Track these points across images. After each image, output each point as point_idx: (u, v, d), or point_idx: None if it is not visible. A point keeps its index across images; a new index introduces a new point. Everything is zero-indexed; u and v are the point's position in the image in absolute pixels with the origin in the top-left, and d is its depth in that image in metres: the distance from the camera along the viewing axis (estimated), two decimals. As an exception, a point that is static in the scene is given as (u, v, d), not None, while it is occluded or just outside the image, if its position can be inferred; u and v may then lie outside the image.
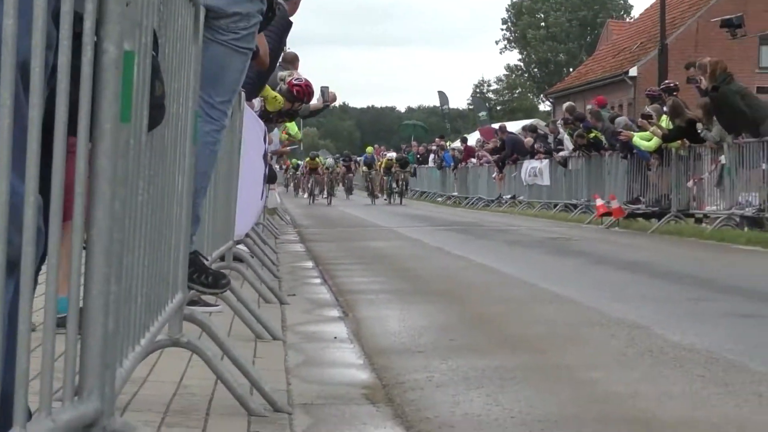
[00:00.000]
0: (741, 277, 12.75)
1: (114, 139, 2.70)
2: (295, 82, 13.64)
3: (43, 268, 2.58)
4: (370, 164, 60.24)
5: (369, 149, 64.52)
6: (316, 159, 59.78)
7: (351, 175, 64.81)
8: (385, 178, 55.71)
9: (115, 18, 2.68)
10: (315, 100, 15.36)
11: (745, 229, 19.92)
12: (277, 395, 5.25)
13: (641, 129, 24.82)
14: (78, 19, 2.51)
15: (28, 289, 2.36)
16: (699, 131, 21.91)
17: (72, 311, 2.66)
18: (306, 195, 58.93)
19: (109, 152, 2.69)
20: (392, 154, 58.01)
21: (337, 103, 25.17)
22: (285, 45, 11.22)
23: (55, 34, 2.41)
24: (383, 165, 56.41)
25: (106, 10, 2.66)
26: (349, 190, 63.89)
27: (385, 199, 54.17)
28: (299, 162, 67.64)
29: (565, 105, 34.72)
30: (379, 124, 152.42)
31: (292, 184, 74.12)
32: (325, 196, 55.21)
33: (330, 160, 64.14)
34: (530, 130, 39.37)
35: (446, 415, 5.31)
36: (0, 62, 2.22)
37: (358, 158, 68.69)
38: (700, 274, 13.09)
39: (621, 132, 25.88)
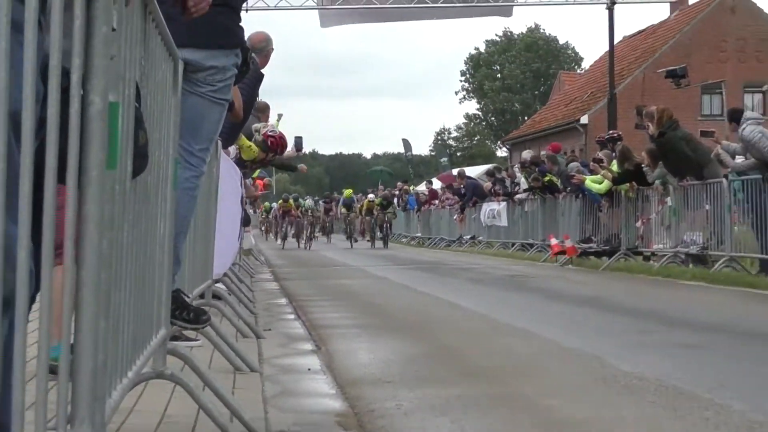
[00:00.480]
0: (686, 311, 12.80)
1: (100, 185, 2.71)
2: (270, 134, 13.69)
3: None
4: (348, 206, 55.49)
5: (348, 192, 59.39)
6: (289, 201, 54.58)
7: (331, 216, 60.08)
8: (366, 219, 51.00)
9: (100, 72, 2.70)
10: (289, 149, 15.41)
11: (690, 265, 20.01)
12: (256, 424, 5.24)
13: (593, 173, 24.98)
14: (64, 74, 2.52)
15: (23, 326, 2.36)
16: (645, 173, 22.08)
17: (64, 346, 2.66)
18: (279, 239, 53.85)
19: (97, 198, 2.70)
20: (372, 196, 52.82)
21: (306, 151, 25.45)
22: (257, 96, 11.26)
23: (42, 89, 2.43)
24: (364, 207, 51.61)
25: (91, 65, 2.68)
26: (329, 233, 59.00)
27: (368, 240, 50.02)
28: (272, 205, 64.48)
29: (527, 153, 34.91)
30: (346, 170, 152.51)
31: (264, 227, 69.23)
32: (303, 240, 49.43)
33: (309, 202, 59.15)
34: (490, 174, 39.49)
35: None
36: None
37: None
38: (648, 308, 13.13)
39: (574, 176, 26.06)
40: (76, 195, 2.62)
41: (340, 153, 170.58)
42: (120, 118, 2.88)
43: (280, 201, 56.65)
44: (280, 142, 13.93)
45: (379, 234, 47.70)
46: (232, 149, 12.53)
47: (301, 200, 56.74)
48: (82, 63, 2.64)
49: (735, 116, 19.08)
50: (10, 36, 2.27)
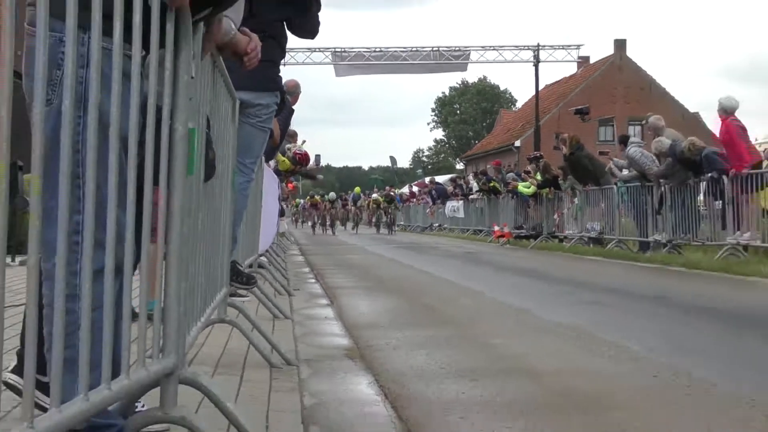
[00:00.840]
0: (590, 277, 12.80)
1: (182, 187, 2.70)
2: (298, 152, 13.70)
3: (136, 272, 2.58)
4: (355, 201, 51.51)
5: (357, 190, 55.41)
6: (315, 197, 50.22)
7: (346, 210, 54.58)
8: (372, 207, 46.62)
9: (182, 107, 2.69)
10: (311, 164, 15.40)
11: (591, 245, 20.02)
12: (290, 354, 5.25)
13: (524, 180, 25.01)
14: (158, 109, 2.52)
15: (129, 286, 2.35)
16: (560, 182, 22.15)
17: (157, 300, 2.66)
18: (310, 225, 48.29)
19: (180, 195, 2.69)
20: (375, 195, 48.21)
21: (323, 164, 25.62)
22: (289, 125, 11.20)
23: (142, 120, 2.42)
24: (371, 203, 47.59)
25: (177, 102, 2.67)
26: (344, 223, 53.58)
27: (374, 225, 45.06)
28: (301, 201, 63.10)
29: (480, 169, 34.98)
30: (351, 178, 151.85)
31: (294, 217, 68.13)
32: (328, 225, 44.99)
33: (332, 194, 52.67)
34: (452, 181, 39.49)
35: (399, 367, 5.32)
36: (109, 136, 2.23)
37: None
38: (564, 276, 13.12)
39: (510, 182, 26.12)
40: (166, 193, 2.62)
41: (346, 166, 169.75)
42: (196, 140, 2.87)
43: (308, 197, 53.34)
44: (305, 157, 13.97)
45: (384, 220, 43.23)
46: (272, 162, 12.50)
47: (325, 195, 51.99)
48: (170, 101, 2.64)
49: (623, 140, 19.13)
50: (121, 83, 2.26)
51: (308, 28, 6.22)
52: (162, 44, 2.53)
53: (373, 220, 46.68)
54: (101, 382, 2.24)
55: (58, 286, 2.02)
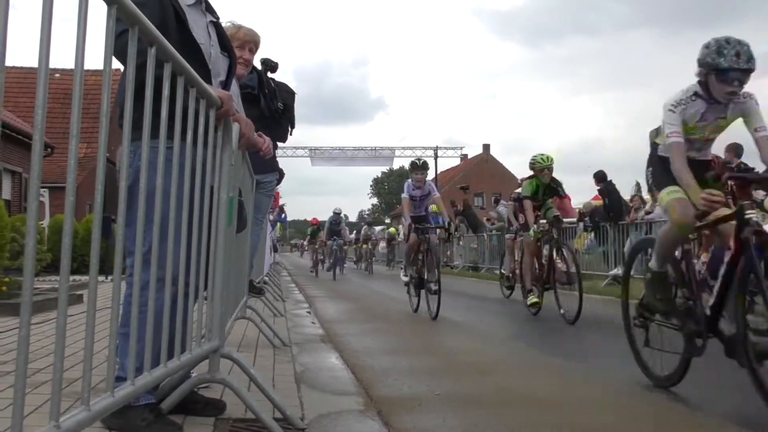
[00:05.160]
0: (473, 290, 12.70)
1: (225, 233, 2.71)
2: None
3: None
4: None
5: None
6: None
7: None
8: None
9: (225, 183, 2.70)
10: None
11: (470, 271, 19.94)
12: (286, 339, 5.19)
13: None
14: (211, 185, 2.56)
15: (193, 295, 2.33)
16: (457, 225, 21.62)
17: (210, 303, 2.63)
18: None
19: (223, 240, 2.70)
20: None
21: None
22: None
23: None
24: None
25: (222, 179, 2.69)
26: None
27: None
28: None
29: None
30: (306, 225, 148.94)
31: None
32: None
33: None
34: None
35: (355, 347, 5.30)
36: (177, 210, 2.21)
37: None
38: (455, 290, 13.06)
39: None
40: (217, 236, 2.62)
41: (306, 219, 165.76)
42: (233, 203, 2.88)
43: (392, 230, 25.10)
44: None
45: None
46: (271, 216, 12.32)
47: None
48: (218, 179, 2.65)
49: (497, 201, 19.85)
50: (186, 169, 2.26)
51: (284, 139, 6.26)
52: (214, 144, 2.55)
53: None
54: (174, 356, 2.22)
55: (152, 298, 2.00)
